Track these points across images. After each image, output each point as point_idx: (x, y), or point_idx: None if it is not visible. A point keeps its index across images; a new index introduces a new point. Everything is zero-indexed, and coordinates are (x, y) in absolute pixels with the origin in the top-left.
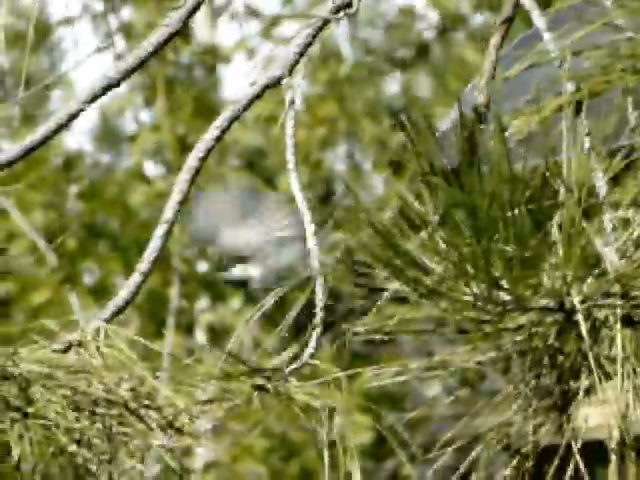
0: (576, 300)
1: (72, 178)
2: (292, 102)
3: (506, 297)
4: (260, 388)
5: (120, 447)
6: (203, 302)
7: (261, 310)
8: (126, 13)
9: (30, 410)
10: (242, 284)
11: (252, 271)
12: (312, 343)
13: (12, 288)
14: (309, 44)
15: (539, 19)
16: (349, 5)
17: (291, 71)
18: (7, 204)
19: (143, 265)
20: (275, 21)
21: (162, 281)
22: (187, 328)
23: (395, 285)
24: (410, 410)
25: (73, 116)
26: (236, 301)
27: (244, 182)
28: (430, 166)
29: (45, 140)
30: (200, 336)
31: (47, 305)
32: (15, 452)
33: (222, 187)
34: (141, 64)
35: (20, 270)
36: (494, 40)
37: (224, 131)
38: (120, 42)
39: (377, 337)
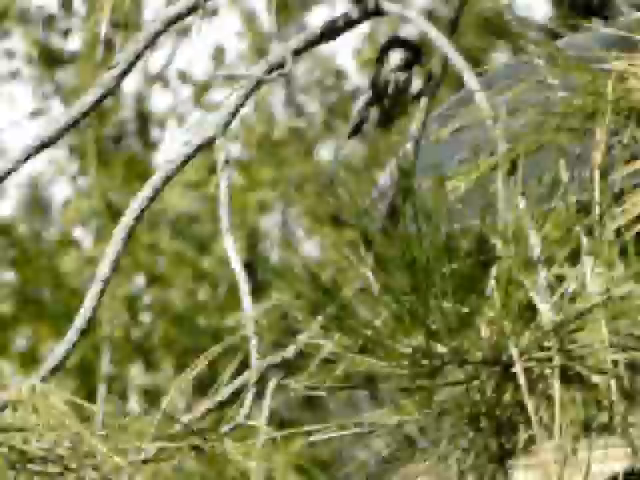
0: (514, 352)
1: (4, 246)
2: (226, 162)
3: (443, 350)
4: (197, 448)
5: None
6: (136, 368)
7: (193, 372)
8: (62, 75)
9: None
10: None
11: None
12: (247, 403)
13: None
14: (241, 104)
15: (471, 79)
16: (282, 65)
17: (224, 131)
18: None
19: (79, 321)
20: (207, 85)
21: (92, 347)
22: (121, 394)
23: (333, 340)
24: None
25: (3, 177)
26: (168, 366)
27: (176, 248)
28: (367, 220)
29: None
30: (134, 402)
31: None
32: None
33: (155, 254)
34: (74, 124)
35: None
36: (422, 103)
37: (158, 190)
38: (56, 104)
39: (316, 393)
